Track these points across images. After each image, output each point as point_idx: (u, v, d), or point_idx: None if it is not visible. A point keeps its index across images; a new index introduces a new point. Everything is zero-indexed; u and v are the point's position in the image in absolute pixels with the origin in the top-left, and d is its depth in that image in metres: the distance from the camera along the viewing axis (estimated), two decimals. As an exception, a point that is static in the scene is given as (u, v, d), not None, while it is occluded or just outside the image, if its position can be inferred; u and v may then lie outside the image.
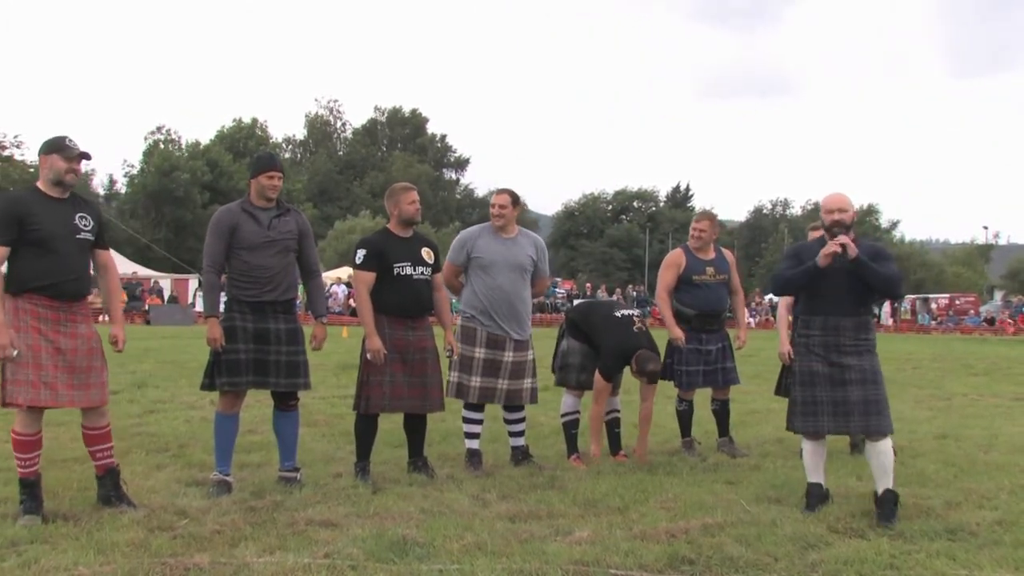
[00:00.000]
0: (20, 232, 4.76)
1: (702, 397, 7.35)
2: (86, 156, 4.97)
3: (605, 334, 6.60)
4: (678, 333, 6.95)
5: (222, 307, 5.57)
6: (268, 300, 5.56)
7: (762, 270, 69.54)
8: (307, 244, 5.80)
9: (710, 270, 7.07)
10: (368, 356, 5.83)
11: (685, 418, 7.17)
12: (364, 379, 5.90)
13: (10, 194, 5.04)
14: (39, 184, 4.95)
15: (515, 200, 6.47)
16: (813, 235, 7.45)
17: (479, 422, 6.42)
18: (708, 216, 7.32)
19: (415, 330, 5.98)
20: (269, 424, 6.12)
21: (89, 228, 5.00)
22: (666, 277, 7.09)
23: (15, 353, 4.69)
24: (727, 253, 7.31)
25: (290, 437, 5.79)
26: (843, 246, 5.04)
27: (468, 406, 6.38)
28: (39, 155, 4.93)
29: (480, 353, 6.29)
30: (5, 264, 4.83)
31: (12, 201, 4.89)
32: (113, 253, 5.44)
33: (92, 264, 5.18)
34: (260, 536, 4.52)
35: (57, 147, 4.89)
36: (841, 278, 5.15)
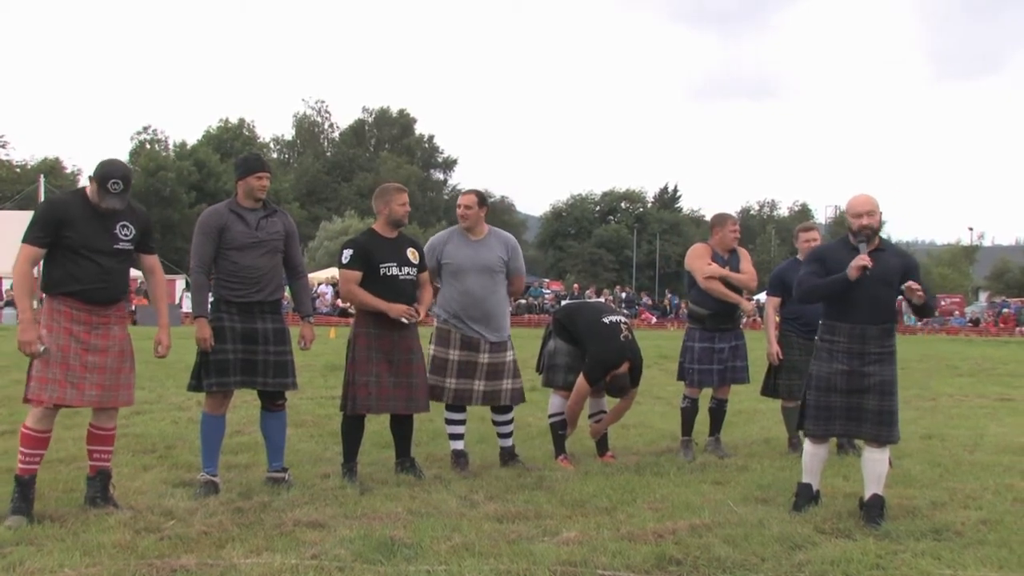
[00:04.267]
0: (57, 237, 4.81)
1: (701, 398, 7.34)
2: (114, 208, 4.89)
3: (591, 341, 6.57)
4: (747, 306, 7.15)
5: (209, 307, 5.57)
6: (256, 301, 5.56)
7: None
8: (293, 245, 5.80)
9: (727, 269, 7.10)
10: (403, 319, 5.81)
11: (688, 416, 7.16)
12: (350, 380, 5.90)
13: (55, 198, 5.07)
14: (88, 190, 4.96)
15: (482, 200, 6.47)
16: (803, 236, 7.50)
17: (461, 423, 6.42)
18: (736, 219, 7.39)
19: (401, 330, 5.97)
20: (256, 425, 6.10)
21: (129, 237, 5.02)
22: (704, 262, 7.04)
23: (42, 349, 4.72)
24: (741, 251, 7.32)
25: (278, 438, 5.78)
26: (915, 293, 5.01)
27: (449, 407, 6.39)
28: (91, 175, 4.93)
29: (455, 355, 6.30)
30: (41, 264, 4.88)
31: (54, 206, 4.93)
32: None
33: (140, 268, 5.24)
34: (247, 537, 4.51)
35: (101, 184, 4.85)
36: (871, 288, 5.06)
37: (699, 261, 7.11)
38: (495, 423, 6.55)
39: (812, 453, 5.36)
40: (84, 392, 4.89)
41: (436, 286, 6.50)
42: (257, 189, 5.59)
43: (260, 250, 5.56)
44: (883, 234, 5.44)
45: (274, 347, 5.58)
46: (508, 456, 6.50)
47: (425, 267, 6.21)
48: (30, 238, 4.81)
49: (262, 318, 5.58)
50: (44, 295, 4.91)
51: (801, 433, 5.72)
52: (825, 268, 5.22)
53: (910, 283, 5.05)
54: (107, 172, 4.87)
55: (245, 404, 8.18)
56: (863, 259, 5.00)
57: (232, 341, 5.48)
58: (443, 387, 6.29)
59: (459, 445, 6.41)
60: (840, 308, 5.18)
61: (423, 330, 6.17)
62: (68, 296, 4.86)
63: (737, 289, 7.15)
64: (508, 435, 6.55)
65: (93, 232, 4.88)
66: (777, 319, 7.42)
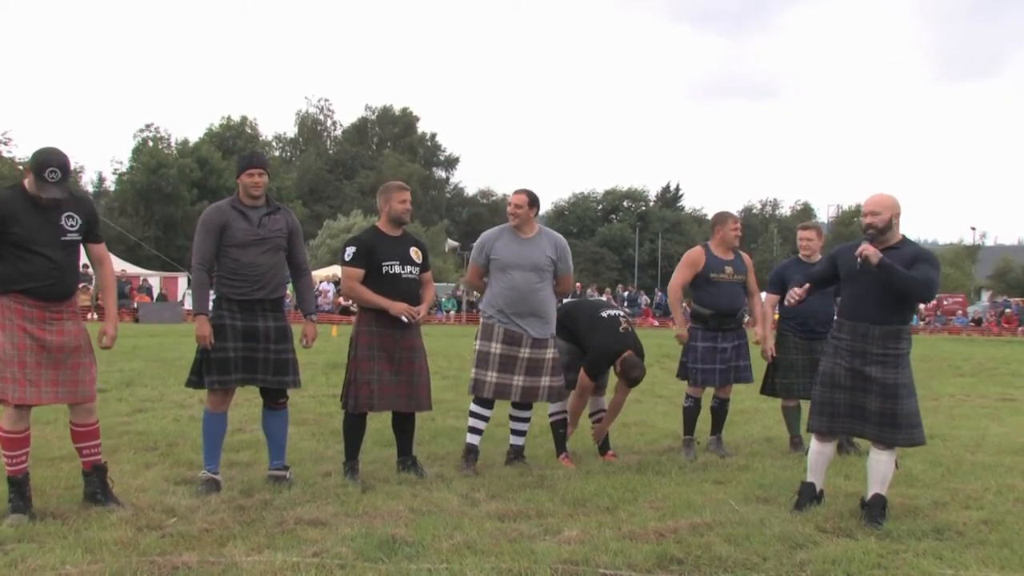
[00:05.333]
0: (2, 234, 4.71)
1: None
2: (56, 197, 4.77)
3: (591, 335, 6.59)
4: (682, 330, 7.04)
5: (211, 305, 5.57)
6: (257, 298, 5.55)
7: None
8: (296, 242, 5.79)
9: (728, 269, 7.11)
10: (403, 318, 5.83)
11: (690, 416, 7.16)
12: (352, 378, 5.90)
13: None
14: (26, 183, 4.84)
15: (532, 200, 6.42)
16: (801, 234, 7.53)
17: (485, 419, 6.42)
18: (737, 218, 7.39)
19: (403, 329, 5.97)
20: (258, 423, 6.11)
21: (76, 228, 4.92)
22: (683, 274, 7.12)
23: None
24: (744, 256, 7.33)
25: (279, 436, 5.78)
26: (862, 257, 4.96)
27: (478, 400, 6.39)
28: (27, 165, 4.80)
29: (496, 348, 6.30)
30: None
31: None
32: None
33: (88, 258, 5.15)
34: (249, 535, 4.51)
35: (36, 174, 4.73)
36: (870, 284, 5.07)
37: (679, 274, 7.17)
38: (512, 418, 6.54)
39: (818, 452, 5.36)
40: (42, 390, 4.81)
41: (484, 283, 6.53)
42: (250, 186, 5.56)
43: (261, 247, 5.55)
44: None
45: (275, 345, 5.58)
46: (515, 454, 6.50)
47: (428, 266, 6.22)
48: None
49: (263, 316, 5.57)
50: None
51: (805, 432, 5.72)
52: (835, 266, 5.31)
53: (862, 245, 5.03)
54: (44, 160, 4.72)
55: (247, 402, 8.19)
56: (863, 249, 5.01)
57: (233, 339, 5.48)
58: (484, 380, 6.30)
59: (475, 440, 6.41)
60: (846, 305, 5.23)
61: (464, 329, 6.16)
62: (20, 294, 4.76)
63: (740, 293, 7.17)
64: (522, 433, 6.55)
65: (39, 226, 4.77)
66: (775, 317, 7.44)
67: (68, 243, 4.91)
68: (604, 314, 6.74)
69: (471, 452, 6.38)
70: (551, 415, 6.80)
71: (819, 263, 5.51)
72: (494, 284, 6.41)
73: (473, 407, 6.43)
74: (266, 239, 5.57)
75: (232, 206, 5.58)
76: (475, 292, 6.78)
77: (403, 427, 6.14)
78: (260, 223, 5.57)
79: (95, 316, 26.46)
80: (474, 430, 6.42)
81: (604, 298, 29.89)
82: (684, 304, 7.79)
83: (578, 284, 48.04)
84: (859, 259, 5.00)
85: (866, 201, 5.24)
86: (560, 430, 6.74)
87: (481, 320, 6.50)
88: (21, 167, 58.08)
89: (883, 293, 5.07)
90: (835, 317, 5.40)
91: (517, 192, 6.49)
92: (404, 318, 5.85)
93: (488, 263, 6.42)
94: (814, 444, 5.39)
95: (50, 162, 4.73)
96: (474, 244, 6.63)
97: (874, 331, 5.10)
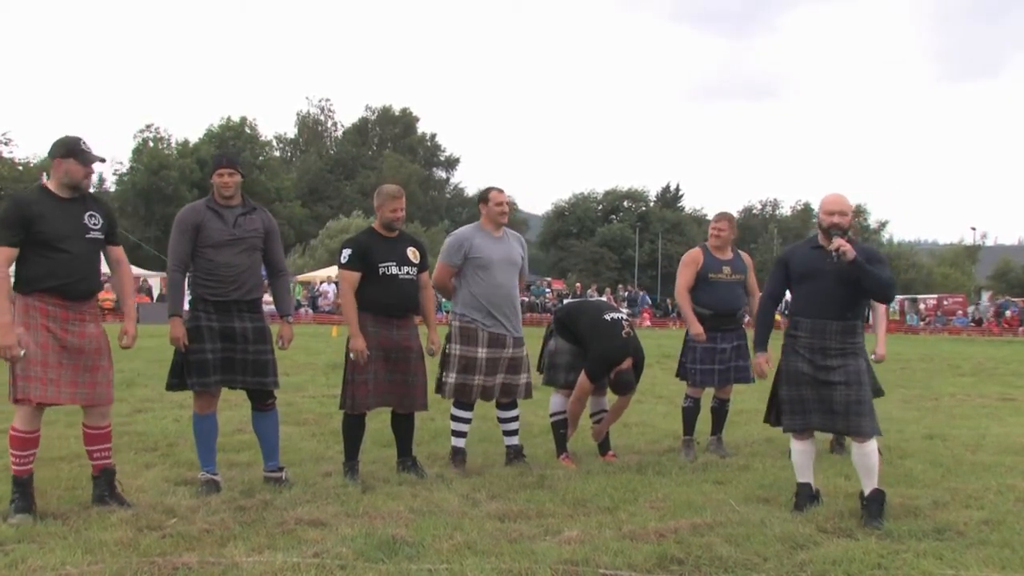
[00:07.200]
0: (27, 234, 4.78)
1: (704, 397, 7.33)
2: (100, 160, 5.05)
3: (593, 339, 6.56)
4: (698, 329, 6.98)
5: (187, 306, 5.55)
6: (233, 299, 5.51)
7: (751, 270, 69.45)
8: (273, 243, 5.76)
9: (727, 269, 7.11)
10: (352, 356, 5.83)
11: (690, 416, 7.16)
12: (349, 378, 5.89)
13: (17, 196, 5.03)
14: (48, 184, 4.96)
15: None
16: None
17: (468, 421, 6.44)
18: (727, 216, 7.35)
19: (400, 329, 5.97)
20: (258, 423, 6.10)
21: (98, 227, 5.01)
22: (685, 275, 7.13)
23: (22, 353, 4.70)
24: (744, 255, 7.33)
25: (271, 437, 5.75)
26: (839, 252, 5.01)
27: (459, 404, 6.38)
28: (51, 158, 4.94)
29: (483, 353, 6.29)
30: (13, 265, 4.83)
31: (19, 203, 4.86)
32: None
33: (105, 261, 5.21)
34: (249, 535, 4.51)
35: (73, 152, 4.89)
36: (830, 282, 5.14)
37: (681, 275, 7.17)
38: (501, 420, 6.55)
39: (799, 451, 5.39)
40: (61, 390, 4.86)
41: (453, 285, 6.49)
42: (222, 186, 5.55)
43: (237, 248, 5.52)
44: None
45: (253, 346, 5.54)
46: (515, 454, 6.49)
47: (426, 266, 6.21)
48: (1, 239, 4.75)
49: (240, 317, 5.54)
50: (17, 295, 4.85)
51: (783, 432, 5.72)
52: (787, 271, 5.37)
53: (837, 239, 5.07)
54: (71, 138, 4.95)
55: (246, 403, 8.17)
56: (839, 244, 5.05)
57: (211, 340, 5.45)
58: (471, 385, 6.29)
59: (460, 443, 6.42)
60: (802, 304, 5.31)
61: (424, 328, 6.16)
62: (45, 292, 4.82)
63: (739, 293, 7.17)
64: (514, 432, 6.54)
65: (64, 224, 4.85)
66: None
67: (91, 240, 4.98)
68: (607, 317, 6.68)
69: (458, 454, 6.39)
70: (552, 415, 6.79)
71: (771, 278, 5.52)
72: (474, 284, 6.36)
73: (455, 411, 6.42)
74: (242, 239, 5.54)
75: (207, 206, 5.57)
76: (441, 294, 6.67)
77: (402, 428, 6.13)
78: (236, 223, 5.55)
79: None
80: (458, 433, 6.42)
81: (604, 299, 29.92)
82: None
83: (578, 284, 48.13)
84: (835, 253, 5.04)
85: (829, 200, 5.29)
86: (560, 430, 6.74)
87: (458, 324, 6.38)
88: (21, 167, 58.19)
89: (845, 290, 5.15)
90: (790, 315, 5.42)
91: (498, 190, 6.53)
92: (352, 356, 5.81)
93: (464, 263, 6.39)
94: (794, 444, 5.41)
95: (77, 137, 4.96)
96: (445, 245, 6.58)
97: (832, 326, 5.18)
